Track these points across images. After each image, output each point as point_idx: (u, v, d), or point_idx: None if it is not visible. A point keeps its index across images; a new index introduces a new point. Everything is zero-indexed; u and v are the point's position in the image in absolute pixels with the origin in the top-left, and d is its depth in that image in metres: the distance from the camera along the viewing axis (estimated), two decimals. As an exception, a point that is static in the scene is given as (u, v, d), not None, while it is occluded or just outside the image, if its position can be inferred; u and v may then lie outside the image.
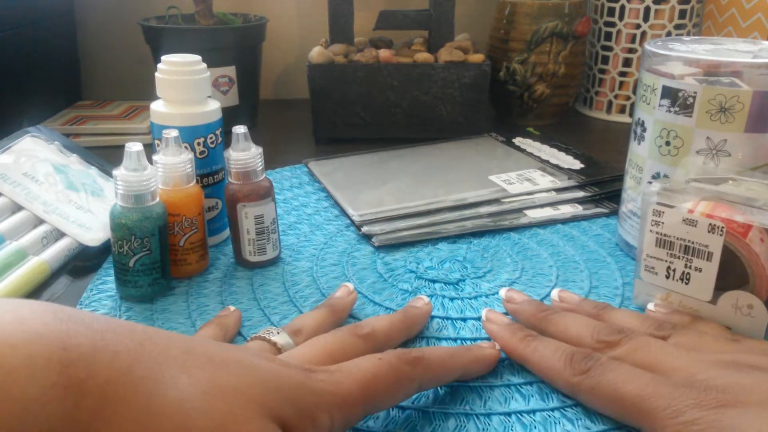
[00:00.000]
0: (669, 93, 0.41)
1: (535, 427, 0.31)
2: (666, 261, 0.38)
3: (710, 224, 0.35)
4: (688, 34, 0.79)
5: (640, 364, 0.31)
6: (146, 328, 0.25)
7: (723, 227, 0.35)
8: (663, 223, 0.37)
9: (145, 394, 0.21)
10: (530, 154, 0.65)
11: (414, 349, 0.30)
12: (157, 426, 0.21)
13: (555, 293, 0.41)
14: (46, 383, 0.20)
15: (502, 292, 0.41)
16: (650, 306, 0.39)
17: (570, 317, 0.36)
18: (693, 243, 0.36)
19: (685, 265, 0.37)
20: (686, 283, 0.37)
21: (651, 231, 0.38)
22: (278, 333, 0.33)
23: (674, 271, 0.37)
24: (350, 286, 0.40)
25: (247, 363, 0.25)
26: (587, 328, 0.35)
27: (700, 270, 0.36)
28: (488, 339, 0.37)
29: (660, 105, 0.42)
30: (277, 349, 0.32)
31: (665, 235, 0.37)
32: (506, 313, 0.39)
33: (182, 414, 0.21)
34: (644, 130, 0.44)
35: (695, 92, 0.40)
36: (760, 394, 0.27)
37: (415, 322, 0.37)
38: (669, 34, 0.78)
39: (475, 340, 0.37)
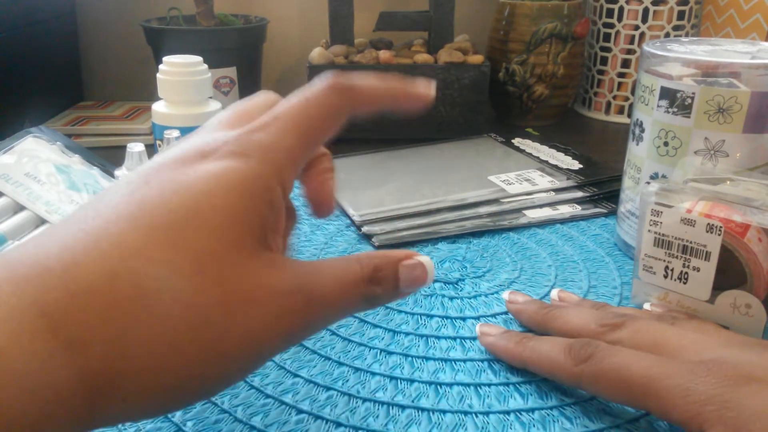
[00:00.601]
0: (667, 94, 0.41)
1: (534, 426, 0.31)
2: (664, 261, 0.38)
3: (708, 224, 0.35)
4: (687, 35, 0.79)
5: (645, 345, 0.31)
6: (96, 217, 0.22)
7: (721, 227, 0.35)
8: (661, 222, 0.37)
9: (145, 312, 0.20)
10: (529, 155, 0.65)
11: (343, 77, 0.28)
12: (172, 331, 0.21)
13: (554, 293, 0.41)
14: (44, 355, 0.19)
15: (505, 295, 0.41)
16: (646, 306, 0.39)
17: (572, 309, 0.36)
18: (691, 243, 0.36)
19: (683, 264, 0.37)
20: (684, 283, 0.37)
21: (649, 231, 0.38)
22: None
23: (672, 270, 0.38)
24: None
25: (209, 193, 0.23)
26: (590, 316, 0.34)
27: (698, 270, 0.37)
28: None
29: (658, 106, 0.42)
30: None
31: (663, 234, 0.37)
32: (506, 315, 0.40)
33: (186, 309, 0.21)
34: (642, 130, 0.44)
35: (693, 93, 0.40)
36: None
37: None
38: (667, 35, 0.78)
39: (474, 339, 0.38)
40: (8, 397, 0.18)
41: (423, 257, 0.27)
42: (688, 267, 0.37)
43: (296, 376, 0.35)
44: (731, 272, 0.36)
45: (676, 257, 0.37)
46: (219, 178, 0.23)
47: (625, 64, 0.81)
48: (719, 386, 0.26)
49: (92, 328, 0.20)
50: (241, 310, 0.22)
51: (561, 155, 0.65)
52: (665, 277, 0.38)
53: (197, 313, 0.21)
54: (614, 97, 0.83)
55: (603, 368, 0.29)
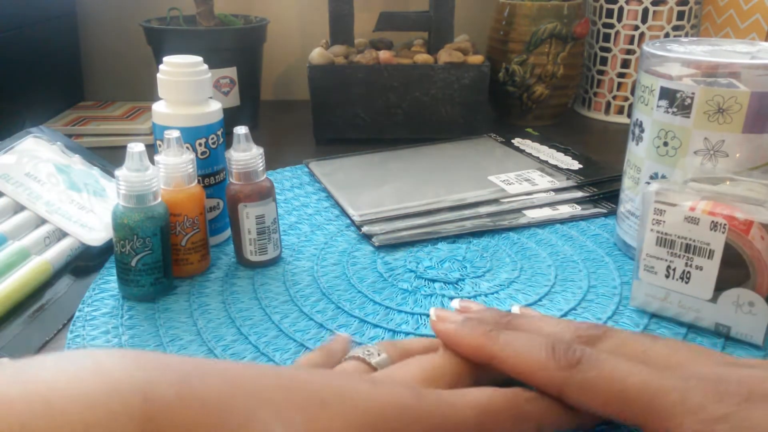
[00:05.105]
0: (667, 94, 0.41)
1: (535, 425, 0.31)
2: (666, 260, 0.38)
3: (713, 221, 0.35)
4: (687, 35, 0.79)
5: (633, 358, 0.28)
6: (236, 364, 0.23)
7: (725, 224, 0.35)
8: (664, 221, 0.37)
9: None
10: (529, 155, 0.65)
11: (533, 392, 0.28)
12: None
13: (516, 308, 0.37)
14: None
15: (455, 303, 0.36)
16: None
17: (543, 319, 0.32)
18: (694, 241, 0.36)
19: (686, 263, 0.37)
20: (686, 282, 0.37)
21: (651, 230, 0.38)
22: (379, 355, 0.30)
23: (674, 270, 0.38)
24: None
25: (348, 394, 0.24)
26: (564, 327, 0.30)
27: (701, 268, 0.36)
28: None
29: (658, 106, 0.42)
30: (373, 369, 0.29)
31: (666, 234, 0.37)
32: None
33: None
34: (642, 130, 0.44)
35: (693, 93, 0.40)
36: None
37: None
38: (667, 35, 0.78)
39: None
40: None
41: None
42: (690, 266, 0.37)
43: (297, 375, 0.34)
44: (734, 270, 0.36)
45: (679, 256, 0.37)
46: None
47: (625, 64, 0.81)
48: (730, 404, 0.24)
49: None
50: None
51: (561, 155, 0.65)
52: (667, 276, 0.38)
53: None
54: (614, 98, 0.83)
55: (594, 377, 0.26)
